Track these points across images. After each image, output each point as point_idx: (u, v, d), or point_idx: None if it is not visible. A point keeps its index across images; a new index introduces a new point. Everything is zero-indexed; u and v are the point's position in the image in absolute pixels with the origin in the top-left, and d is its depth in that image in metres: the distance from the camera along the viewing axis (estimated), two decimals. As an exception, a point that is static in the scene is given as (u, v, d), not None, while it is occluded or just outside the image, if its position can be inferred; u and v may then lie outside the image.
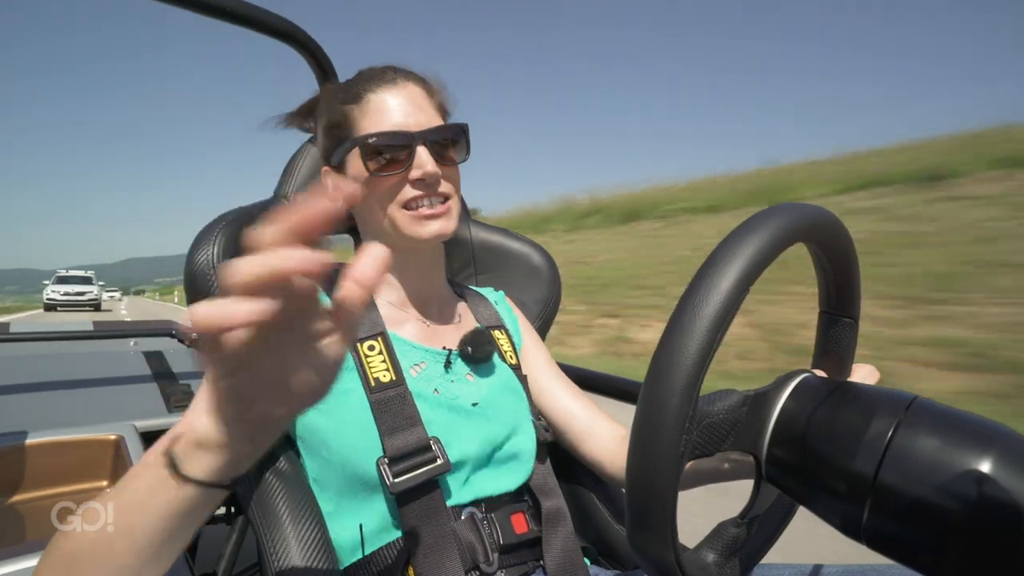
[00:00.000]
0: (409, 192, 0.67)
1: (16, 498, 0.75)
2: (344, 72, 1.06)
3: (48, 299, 24.31)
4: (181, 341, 1.55)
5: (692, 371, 0.34)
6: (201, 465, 0.35)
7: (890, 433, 0.36)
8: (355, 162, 0.68)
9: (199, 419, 0.34)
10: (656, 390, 0.35)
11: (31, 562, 0.58)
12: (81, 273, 27.26)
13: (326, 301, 0.32)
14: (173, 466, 0.35)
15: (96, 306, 24.64)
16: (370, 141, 0.66)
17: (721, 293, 0.35)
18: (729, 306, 0.35)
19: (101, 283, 28.41)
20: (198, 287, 0.69)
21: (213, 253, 0.69)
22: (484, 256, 0.99)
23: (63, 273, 26.95)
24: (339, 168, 0.71)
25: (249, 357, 0.30)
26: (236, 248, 0.71)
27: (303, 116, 0.82)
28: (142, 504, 0.37)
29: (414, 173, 0.67)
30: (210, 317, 0.27)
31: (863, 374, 0.54)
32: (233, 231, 0.72)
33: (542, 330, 0.97)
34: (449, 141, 0.69)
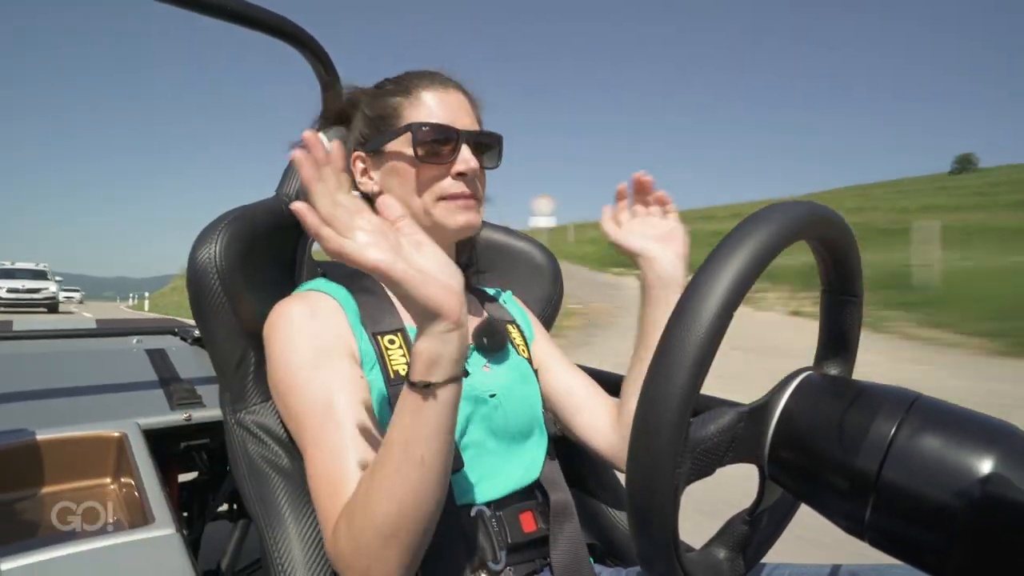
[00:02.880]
0: (449, 184, 0.71)
1: (20, 495, 0.75)
2: (345, 72, 1.06)
3: None
4: (184, 339, 1.55)
5: (678, 408, 0.34)
6: (444, 370, 0.51)
7: (893, 431, 0.36)
8: (400, 148, 0.71)
9: (422, 346, 0.50)
10: (644, 429, 0.35)
11: (36, 557, 0.58)
12: (31, 266, 21.01)
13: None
14: (428, 386, 0.50)
15: (52, 307, 19.26)
16: (424, 128, 0.70)
17: (703, 325, 0.34)
18: (714, 334, 0.34)
19: (59, 279, 22.10)
20: (200, 284, 0.69)
21: (215, 251, 0.69)
22: (487, 254, 0.99)
23: (7, 265, 20.44)
24: (376, 155, 0.74)
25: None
26: (238, 246, 0.71)
27: (344, 113, 0.82)
28: (421, 434, 0.51)
29: (458, 167, 0.70)
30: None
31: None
32: (235, 230, 0.72)
33: (545, 327, 0.98)
34: (486, 146, 0.74)
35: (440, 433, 0.52)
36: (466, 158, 0.70)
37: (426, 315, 0.50)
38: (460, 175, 0.70)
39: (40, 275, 20.38)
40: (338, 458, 0.57)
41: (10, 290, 18.69)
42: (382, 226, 0.50)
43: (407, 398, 0.51)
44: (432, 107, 0.71)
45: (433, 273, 0.50)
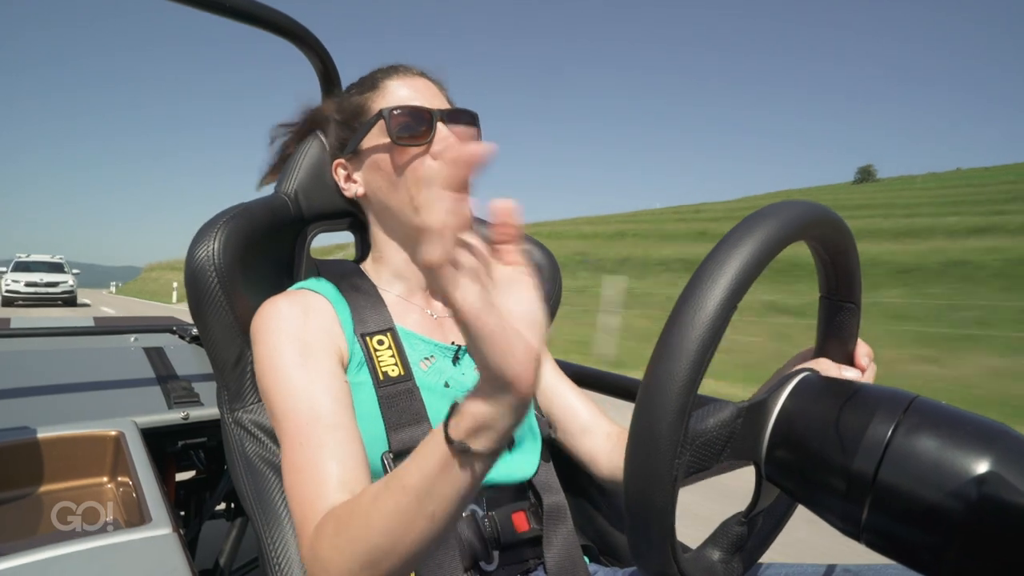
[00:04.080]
0: (432, 167, 0.68)
1: (16, 493, 0.75)
2: (345, 71, 1.06)
3: (8, 291, 17.33)
4: (182, 337, 1.55)
5: (681, 395, 0.34)
6: (489, 441, 0.41)
7: (890, 432, 0.36)
8: (376, 140, 0.70)
9: (477, 408, 0.40)
10: (646, 416, 0.35)
11: (32, 557, 0.58)
12: (47, 258, 19.90)
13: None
14: (466, 452, 0.41)
15: (70, 301, 18.16)
16: (395, 112, 0.68)
17: (708, 315, 0.34)
18: (717, 326, 0.35)
19: (76, 271, 20.44)
20: (198, 282, 0.69)
21: (214, 249, 0.69)
22: None
23: (23, 258, 19.46)
24: (355, 156, 0.73)
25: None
26: (236, 244, 0.71)
27: (313, 125, 0.83)
28: (441, 493, 0.43)
29: (437, 146, 0.68)
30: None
31: (861, 352, 0.53)
32: (234, 227, 0.72)
33: None
34: (463, 124, 0.72)
35: (462, 499, 0.44)
36: (444, 136, 0.68)
37: (494, 381, 0.38)
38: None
39: (57, 268, 19.32)
40: (320, 457, 0.56)
41: (28, 283, 17.65)
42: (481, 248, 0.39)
43: (438, 449, 0.42)
44: (400, 93, 0.71)
45: (518, 327, 0.38)
